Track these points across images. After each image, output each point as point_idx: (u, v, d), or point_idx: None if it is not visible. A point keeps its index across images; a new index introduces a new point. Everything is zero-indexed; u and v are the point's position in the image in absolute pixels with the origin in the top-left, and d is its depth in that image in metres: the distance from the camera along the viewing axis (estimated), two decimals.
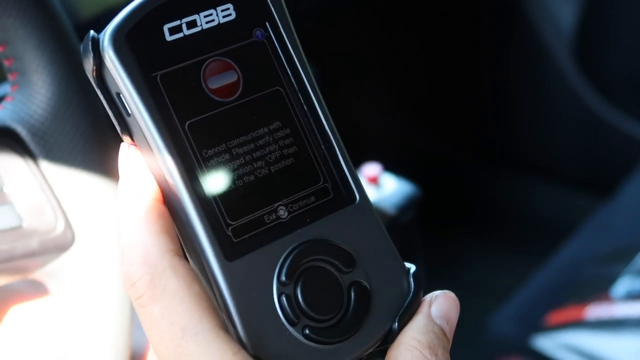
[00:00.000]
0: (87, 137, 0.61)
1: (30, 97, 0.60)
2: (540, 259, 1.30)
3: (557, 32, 1.90)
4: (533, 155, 1.97)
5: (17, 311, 0.71)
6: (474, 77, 2.01)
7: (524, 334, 1.15)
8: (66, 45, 0.60)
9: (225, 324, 0.43)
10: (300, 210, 0.46)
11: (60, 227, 0.59)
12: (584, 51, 1.88)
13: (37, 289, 0.63)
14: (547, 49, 1.91)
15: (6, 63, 0.59)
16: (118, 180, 0.59)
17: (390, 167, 0.82)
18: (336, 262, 0.46)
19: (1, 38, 0.58)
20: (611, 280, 1.17)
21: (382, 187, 0.79)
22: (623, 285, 1.15)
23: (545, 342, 1.12)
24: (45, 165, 0.59)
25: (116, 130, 0.47)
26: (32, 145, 0.59)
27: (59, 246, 0.60)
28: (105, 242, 0.61)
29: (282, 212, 0.46)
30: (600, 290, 1.15)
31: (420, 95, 1.96)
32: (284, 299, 0.44)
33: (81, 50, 0.45)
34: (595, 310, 1.12)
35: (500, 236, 1.77)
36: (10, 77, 0.60)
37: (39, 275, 0.60)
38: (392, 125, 1.90)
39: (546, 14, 1.91)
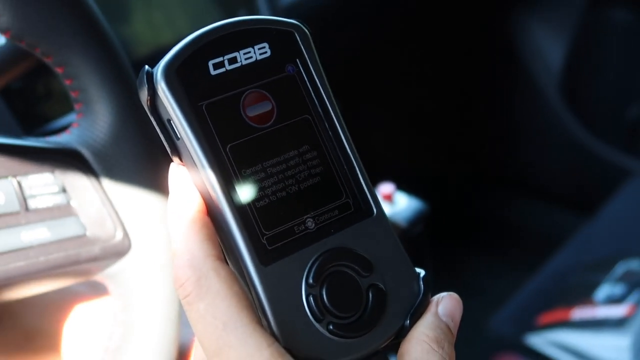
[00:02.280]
0: (142, 158, 0.61)
1: (93, 124, 0.60)
2: (532, 268, 1.29)
3: (547, 69, 1.89)
4: (525, 177, 1.97)
5: (82, 308, 0.71)
6: (476, 108, 2.01)
7: (518, 333, 1.14)
8: (124, 79, 0.60)
9: (260, 320, 0.43)
10: (326, 222, 0.46)
11: (119, 236, 0.59)
12: (570, 86, 1.88)
13: (98, 289, 0.63)
14: (537, 84, 1.90)
15: (73, 94, 0.59)
16: (168, 195, 0.59)
17: (403, 186, 0.82)
18: (356, 267, 0.46)
19: (69, 73, 0.58)
20: (594, 286, 1.17)
21: (396, 203, 0.80)
22: (604, 291, 1.15)
23: (536, 340, 1.12)
24: (105, 182, 0.59)
25: (167, 152, 0.48)
26: (94, 165, 0.59)
27: (117, 252, 0.60)
28: (157, 248, 0.61)
29: (310, 224, 0.46)
30: (584, 295, 1.15)
31: (429, 124, 1.96)
32: (311, 299, 0.44)
33: (137, 82, 0.45)
34: (580, 312, 1.12)
35: (497, 247, 1.76)
36: (76, 106, 0.60)
37: (100, 277, 0.60)
38: (405, 150, 1.90)
39: (537, 54, 1.91)
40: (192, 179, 0.46)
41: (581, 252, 1.30)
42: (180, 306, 0.61)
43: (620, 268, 1.19)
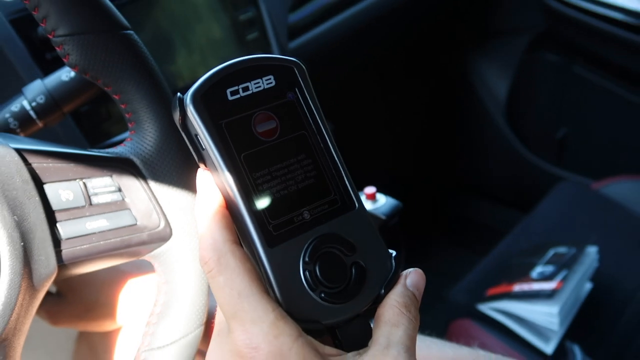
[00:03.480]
0: (179, 165, 0.60)
1: (142, 139, 0.59)
2: (483, 253, 1.29)
3: (494, 98, 1.90)
4: (478, 182, 1.98)
5: (133, 283, 0.71)
6: (440, 128, 2.02)
7: (470, 302, 1.14)
8: (166, 105, 0.60)
9: (267, 290, 0.43)
10: (318, 214, 0.46)
11: (162, 225, 0.59)
12: (512, 112, 1.88)
13: (146, 267, 0.62)
14: (487, 110, 1.90)
15: (127, 115, 0.59)
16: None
17: (382, 189, 0.82)
18: (342, 249, 0.46)
19: (124, 99, 0.58)
20: (530, 267, 1.16)
21: (377, 201, 0.79)
22: (538, 270, 1.15)
23: (485, 308, 1.11)
24: (151, 183, 0.59)
25: (196, 160, 0.48)
26: (143, 170, 0.59)
27: (161, 238, 0.59)
28: (191, 235, 0.60)
29: (306, 215, 0.46)
30: (523, 274, 1.15)
31: (403, 141, 1.96)
32: (307, 273, 0.44)
33: (172, 106, 0.45)
34: (519, 286, 1.12)
35: (456, 236, 1.76)
36: (129, 125, 0.59)
37: (147, 257, 0.60)
38: (384, 161, 1.90)
39: (487, 86, 1.91)
40: (214, 181, 0.46)
41: (520, 240, 1.30)
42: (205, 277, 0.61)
43: (551, 252, 1.19)
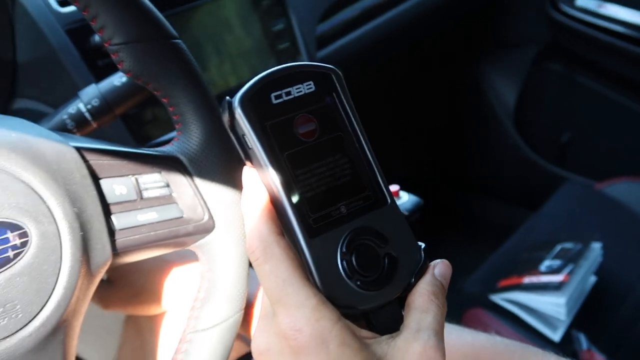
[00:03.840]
0: (222, 163, 0.60)
1: (188, 139, 0.59)
2: (494, 247, 1.29)
3: (504, 105, 1.89)
4: (488, 182, 1.97)
5: (178, 270, 0.71)
6: (455, 133, 2.01)
7: (483, 293, 1.13)
8: (210, 108, 0.60)
9: (308, 277, 0.43)
10: (354, 209, 0.46)
11: (206, 218, 0.59)
12: (520, 118, 1.87)
13: (190, 256, 0.63)
14: (497, 116, 1.89)
15: (174, 117, 0.59)
16: (241, 188, 0.59)
17: (405, 187, 0.82)
18: (376, 241, 0.46)
19: (172, 102, 0.58)
20: (539, 261, 1.16)
21: (401, 198, 0.80)
22: (546, 264, 1.14)
23: (497, 298, 1.11)
24: (196, 179, 0.59)
25: (241, 158, 0.47)
26: (189, 167, 0.59)
27: (205, 229, 0.59)
28: (233, 227, 0.60)
29: (343, 209, 0.45)
30: (532, 267, 1.15)
31: (422, 144, 1.96)
32: (345, 262, 0.44)
33: (221, 108, 0.45)
34: (529, 279, 1.11)
35: (469, 232, 1.75)
36: (176, 126, 0.59)
37: (192, 247, 0.60)
38: (400, 160, 1.90)
39: (497, 94, 1.90)
40: (259, 178, 0.46)
41: (528, 236, 1.29)
42: (248, 267, 0.61)
43: (558, 248, 1.18)
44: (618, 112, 1.71)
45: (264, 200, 0.45)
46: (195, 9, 0.93)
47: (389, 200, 0.47)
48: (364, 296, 0.44)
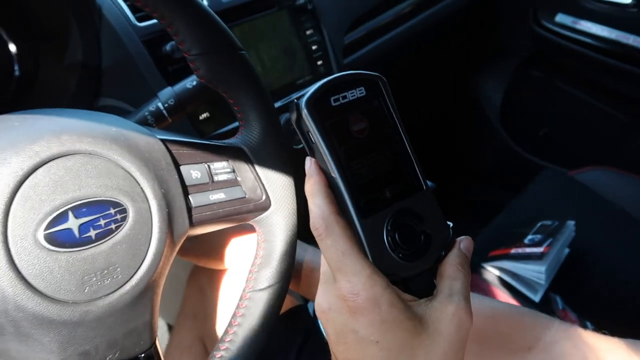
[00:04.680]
0: (277, 153, 0.60)
1: (250, 133, 0.59)
2: (484, 223, 1.28)
3: (492, 105, 1.87)
4: (479, 169, 1.96)
5: (240, 238, 0.71)
6: (451, 129, 2.00)
7: (477, 261, 1.13)
8: (269, 108, 0.60)
9: (362, 250, 0.43)
10: (397, 193, 0.46)
11: (264, 198, 0.59)
12: (505, 115, 1.85)
13: (250, 227, 0.63)
14: (486, 113, 1.87)
15: (238, 115, 0.59)
16: (292, 174, 0.60)
17: None
18: (414, 220, 0.46)
19: (237, 103, 0.58)
20: (523, 235, 1.15)
21: None
22: (529, 238, 1.14)
23: (488, 266, 1.11)
24: (256, 166, 0.59)
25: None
26: (250, 156, 0.59)
27: (263, 207, 0.59)
28: (285, 206, 0.60)
29: (388, 194, 0.46)
30: (517, 240, 1.14)
31: (424, 137, 1.94)
32: (389, 238, 0.44)
33: (289, 108, 0.46)
34: (515, 250, 1.11)
35: (462, 212, 1.74)
36: (240, 122, 0.60)
37: (251, 222, 0.60)
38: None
39: (486, 95, 1.88)
40: (320, 167, 0.46)
41: (514, 215, 1.28)
42: (296, 239, 0.61)
43: (539, 224, 1.18)
44: (588, 111, 1.70)
45: (324, 186, 0.45)
46: (251, 21, 0.93)
47: (425, 187, 0.47)
48: (404, 266, 0.45)
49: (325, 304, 0.43)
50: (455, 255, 0.46)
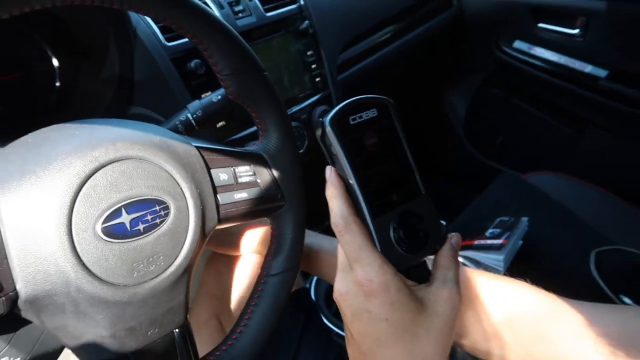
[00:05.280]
0: (291, 160, 0.60)
1: (269, 142, 0.60)
2: (452, 219, 1.28)
3: (458, 117, 1.87)
4: (446, 172, 1.96)
5: (256, 230, 0.71)
6: (422, 137, 1.99)
7: None
8: (285, 122, 0.60)
9: (373, 244, 0.45)
10: (401, 197, 0.47)
11: (279, 197, 0.59)
12: (468, 126, 1.86)
13: (266, 223, 0.63)
14: (452, 124, 1.88)
15: (259, 126, 0.59)
16: (301, 178, 0.61)
17: None
18: (415, 220, 0.47)
19: (259, 116, 0.58)
20: (485, 229, 1.16)
21: None
22: (489, 231, 1.15)
23: None
24: (274, 170, 0.59)
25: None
26: (269, 161, 0.59)
27: (278, 205, 0.59)
28: (297, 204, 0.61)
29: (394, 198, 0.47)
30: (480, 233, 1.15)
31: None
32: (395, 234, 0.46)
33: (314, 125, 0.47)
34: (478, 241, 1.12)
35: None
36: (260, 132, 0.60)
37: (268, 217, 0.60)
38: None
39: (453, 109, 1.88)
40: (339, 175, 0.47)
41: (476, 212, 1.29)
42: (305, 232, 0.62)
43: (497, 220, 1.19)
44: (539, 124, 1.71)
45: (344, 191, 0.46)
46: (262, 43, 0.94)
47: (423, 192, 0.48)
48: (407, 257, 0.46)
49: (344, 289, 0.45)
50: (448, 249, 0.48)
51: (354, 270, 0.44)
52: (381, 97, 0.48)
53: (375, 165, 0.47)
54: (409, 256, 0.46)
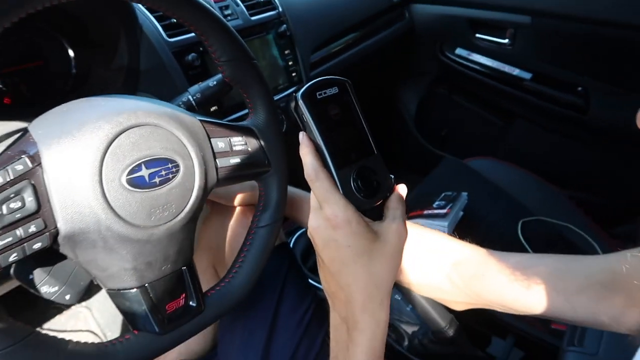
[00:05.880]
0: (276, 132, 0.62)
1: (257, 118, 0.61)
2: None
3: (409, 112, 1.88)
4: (396, 159, 1.96)
5: (246, 189, 0.72)
6: (377, 128, 1.99)
7: None
8: (270, 101, 0.61)
9: (338, 190, 0.47)
10: (359, 155, 0.48)
11: (266, 162, 0.60)
12: (419, 119, 1.87)
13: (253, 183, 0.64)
14: (404, 117, 1.88)
15: (249, 105, 0.61)
16: (285, 146, 0.60)
17: None
18: (370, 172, 0.48)
19: (249, 96, 0.60)
20: (432, 202, 1.19)
21: None
22: (436, 203, 1.17)
23: (408, 222, 1.13)
24: (262, 141, 0.60)
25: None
26: (257, 133, 0.60)
27: (265, 170, 0.61)
28: (280, 169, 0.62)
29: (353, 155, 0.48)
30: (428, 205, 1.18)
31: None
32: (355, 184, 0.47)
33: (291, 97, 0.47)
34: (427, 211, 1.15)
35: None
36: (249, 110, 0.61)
37: (256, 180, 0.62)
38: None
39: (405, 105, 1.89)
40: (310, 137, 0.48)
41: (425, 189, 1.31)
42: (287, 191, 0.63)
43: (442, 194, 1.22)
44: (476, 117, 1.73)
45: (313, 150, 0.48)
46: (248, 42, 0.93)
47: (375, 152, 0.50)
48: (363, 202, 0.48)
49: (315, 224, 0.46)
50: (396, 195, 0.50)
51: (323, 209, 0.46)
52: (341, 78, 0.50)
53: (337, 130, 0.48)
54: (366, 200, 0.48)
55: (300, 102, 0.47)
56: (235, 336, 0.66)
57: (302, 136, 0.48)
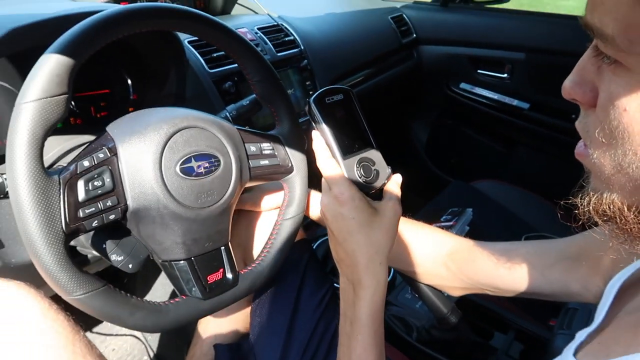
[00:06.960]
0: (298, 140, 0.64)
1: (282, 128, 0.64)
2: (416, 212, 1.31)
3: (420, 141, 1.87)
4: (409, 184, 1.88)
5: (272, 194, 0.72)
6: (390, 157, 1.99)
7: None
8: (294, 114, 0.64)
9: (344, 175, 0.49)
10: (361, 148, 0.51)
11: (290, 165, 0.63)
12: (428, 149, 1.83)
13: (281, 186, 0.65)
14: (416, 147, 1.86)
15: (276, 118, 0.64)
16: (306, 150, 0.63)
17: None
18: (371, 163, 0.51)
19: (276, 111, 0.64)
20: (440, 216, 1.21)
21: None
22: (444, 217, 1.19)
23: None
24: (286, 147, 0.63)
25: (308, 135, 0.53)
26: (283, 141, 0.63)
27: (288, 171, 0.64)
28: (302, 171, 0.65)
29: (356, 147, 0.51)
30: (437, 218, 1.20)
31: None
32: (358, 171, 0.50)
33: (306, 103, 0.51)
34: (434, 224, 1.05)
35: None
36: (276, 122, 0.64)
37: (281, 180, 0.64)
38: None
39: (416, 134, 1.87)
40: (321, 135, 0.50)
41: (435, 205, 1.33)
42: (307, 190, 0.65)
43: (449, 210, 1.24)
44: (480, 145, 1.75)
45: (324, 144, 0.51)
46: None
47: (375, 146, 0.53)
48: (365, 186, 0.50)
49: (326, 201, 0.50)
50: (393, 182, 0.52)
51: (332, 189, 0.49)
52: (345, 87, 0.52)
53: (342, 127, 0.50)
54: (367, 186, 0.50)
55: (313, 106, 0.51)
56: (263, 317, 0.71)
57: (314, 133, 0.53)
